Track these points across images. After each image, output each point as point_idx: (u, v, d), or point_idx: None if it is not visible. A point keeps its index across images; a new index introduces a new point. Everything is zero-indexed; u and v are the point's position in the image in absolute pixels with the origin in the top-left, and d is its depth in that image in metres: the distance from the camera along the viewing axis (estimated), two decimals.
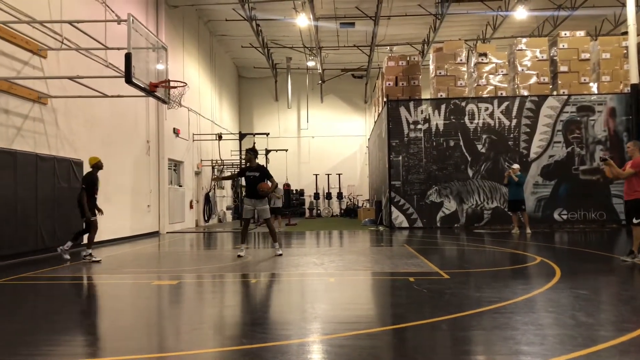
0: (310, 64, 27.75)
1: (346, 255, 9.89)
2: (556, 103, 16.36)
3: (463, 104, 16.55)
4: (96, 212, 9.81)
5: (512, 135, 16.40)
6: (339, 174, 29.76)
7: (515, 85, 16.88)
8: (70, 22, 11.28)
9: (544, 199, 16.19)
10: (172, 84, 11.07)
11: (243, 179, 10.06)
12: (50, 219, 10.75)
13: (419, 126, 16.60)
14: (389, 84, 17.88)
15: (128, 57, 9.07)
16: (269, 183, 9.68)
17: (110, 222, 13.59)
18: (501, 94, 16.81)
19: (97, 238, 12.79)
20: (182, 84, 11.22)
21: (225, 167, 23.62)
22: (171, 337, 4.61)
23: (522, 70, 16.78)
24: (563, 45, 16.82)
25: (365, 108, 30.99)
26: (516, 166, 14.53)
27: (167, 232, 17.17)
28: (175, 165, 19.43)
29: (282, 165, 27.41)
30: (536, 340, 3.97)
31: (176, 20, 19.20)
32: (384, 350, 4.01)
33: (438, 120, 16.55)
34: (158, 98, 10.89)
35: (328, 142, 30.50)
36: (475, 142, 16.45)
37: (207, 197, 22.11)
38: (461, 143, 16.48)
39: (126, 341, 4.36)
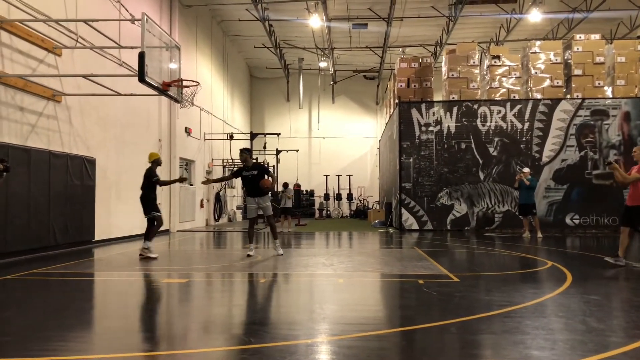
0: (322, 64, 27.76)
1: (355, 256, 9.87)
2: (570, 107, 16.22)
3: (475, 106, 16.47)
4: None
5: (524, 139, 16.28)
6: (350, 175, 29.73)
7: (529, 88, 16.76)
8: (85, 21, 11.39)
9: (555, 203, 16.05)
10: (184, 83, 11.12)
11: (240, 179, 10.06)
12: (63, 216, 10.85)
13: (431, 128, 16.54)
14: (401, 86, 17.82)
15: (141, 56, 9.14)
16: (269, 178, 9.74)
17: (121, 220, 13.70)
18: (514, 97, 16.70)
19: (108, 235, 12.96)
20: (194, 84, 11.27)
21: (235, 166, 23.69)
22: (180, 335, 4.63)
23: (536, 73, 16.65)
24: (577, 49, 16.67)
25: (377, 109, 30.94)
26: (527, 170, 14.43)
27: (177, 231, 17.26)
28: (187, 165, 19.53)
29: (292, 165, 27.44)
30: (546, 345, 3.93)
31: (189, 20, 19.31)
32: (392, 352, 3.99)
33: (450, 123, 16.48)
34: (170, 97, 10.95)
35: (339, 143, 30.48)
36: (487, 145, 16.35)
37: (217, 196, 22.20)
38: (473, 146, 16.39)
39: (134, 338, 4.39)
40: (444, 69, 17.79)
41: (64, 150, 11.11)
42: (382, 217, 20.53)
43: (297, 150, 27.06)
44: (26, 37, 9.91)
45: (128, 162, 14.12)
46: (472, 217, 16.34)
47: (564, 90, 16.81)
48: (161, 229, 16.58)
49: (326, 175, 29.48)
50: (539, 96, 16.49)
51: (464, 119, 16.45)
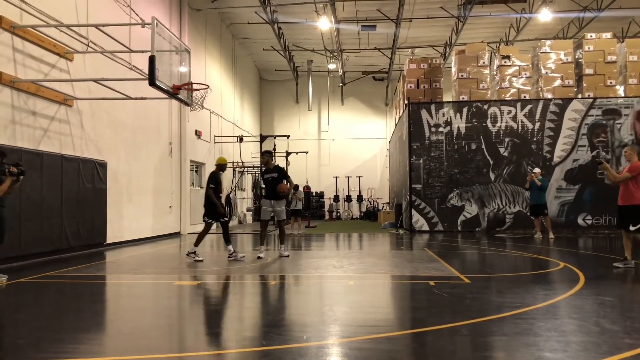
0: (331, 66, 27.77)
1: (366, 258, 9.86)
2: (581, 106, 16.08)
3: (485, 106, 16.38)
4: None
5: (535, 139, 16.17)
6: (359, 177, 29.69)
7: (539, 88, 16.64)
8: (96, 26, 11.49)
9: (567, 204, 15.91)
10: (194, 86, 11.18)
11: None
12: (75, 219, 10.95)
13: (440, 129, 16.48)
14: (411, 87, 17.79)
15: (152, 60, 9.21)
16: (287, 184, 9.74)
17: (133, 223, 13.80)
18: (524, 97, 16.59)
19: (119, 238, 13.05)
20: (204, 87, 11.33)
21: (246, 169, 23.78)
22: (191, 338, 4.65)
23: (546, 73, 16.54)
24: (588, 48, 16.53)
25: (386, 111, 30.89)
26: (537, 170, 14.31)
27: (188, 233, 17.34)
28: (197, 167, 19.62)
29: (302, 167, 27.46)
30: (559, 347, 3.90)
31: (199, 23, 19.42)
32: (403, 354, 3.98)
33: (460, 123, 16.41)
34: (181, 100, 11.02)
35: (348, 145, 30.46)
36: (498, 146, 16.26)
37: (227, 198, 22.26)
38: (483, 146, 16.30)
39: (147, 340, 4.41)
40: (453, 69, 17.72)
41: (75, 154, 11.21)
42: (392, 218, 20.48)
43: (306, 152, 27.06)
44: (38, 42, 10.03)
45: (139, 165, 14.23)
46: (483, 218, 16.25)
47: (575, 89, 16.67)
48: (172, 231, 16.67)
49: (336, 177, 29.47)
50: (549, 96, 16.37)
51: (474, 120, 16.37)
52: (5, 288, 6.78)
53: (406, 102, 17.39)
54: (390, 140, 26.49)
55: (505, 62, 16.89)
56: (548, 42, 17.00)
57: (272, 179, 9.74)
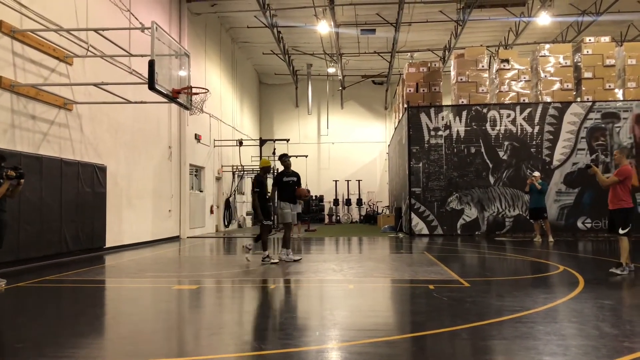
0: (331, 70, 27.81)
1: (365, 262, 9.86)
2: (580, 110, 16.10)
3: (484, 110, 16.40)
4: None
5: (534, 142, 16.18)
6: (359, 181, 29.70)
7: (538, 92, 16.67)
8: (95, 30, 11.52)
9: (567, 207, 15.91)
10: (194, 90, 11.20)
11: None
12: (74, 223, 10.95)
13: (440, 133, 16.50)
14: (410, 90, 17.81)
15: (151, 64, 9.22)
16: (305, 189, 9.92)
17: (132, 227, 13.79)
18: (523, 100, 16.62)
19: (119, 242, 13.04)
20: (203, 91, 11.35)
21: (245, 172, 23.78)
22: (191, 341, 4.65)
23: (545, 76, 16.57)
24: (587, 51, 16.57)
25: (386, 114, 30.92)
26: (537, 174, 14.34)
27: (187, 237, 17.33)
28: (197, 171, 19.62)
29: (302, 171, 26.99)
30: (559, 351, 3.90)
31: (198, 28, 19.46)
32: (403, 358, 3.98)
33: (459, 127, 16.43)
34: (180, 104, 11.03)
35: (348, 149, 30.48)
36: (497, 149, 16.27)
37: (227, 202, 22.27)
38: (482, 150, 16.32)
39: (147, 344, 4.41)
40: (452, 73, 17.75)
41: (75, 158, 11.22)
42: (392, 222, 20.46)
43: (306, 156, 27.05)
44: (38, 46, 10.05)
45: (139, 169, 14.24)
46: (483, 222, 16.25)
47: (574, 93, 16.70)
48: (171, 235, 16.66)
49: (335, 181, 29.47)
50: (548, 99, 16.40)
51: (473, 123, 16.39)
52: (4, 292, 6.78)
53: (405, 105, 17.41)
54: (390, 143, 26.51)
55: (504, 65, 16.91)
56: (547, 46, 17.04)
57: (292, 183, 9.79)
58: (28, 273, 8.56)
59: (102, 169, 12.13)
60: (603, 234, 15.46)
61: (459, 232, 16.24)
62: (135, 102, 12.26)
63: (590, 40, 16.77)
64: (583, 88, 16.44)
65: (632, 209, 7.73)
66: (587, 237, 15.23)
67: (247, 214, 25.43)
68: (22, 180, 7.02)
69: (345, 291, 6.81)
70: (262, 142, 21.86)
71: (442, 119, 16.52)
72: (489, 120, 16.34)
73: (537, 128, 16.18)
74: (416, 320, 5.21)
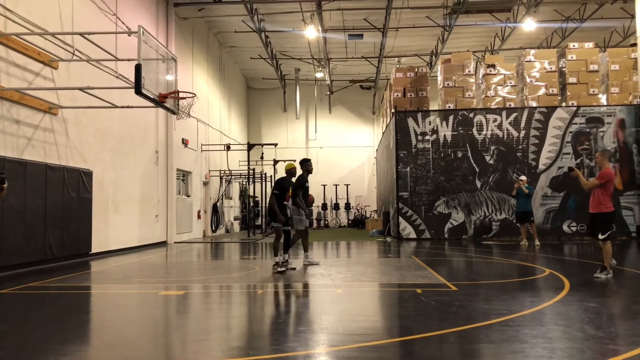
0: (319, 75, 27.87)
1: (353, 266, 9.86)
2: (565, 114, 16.30)
3: (471, 115, 16.53)
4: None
5: (520, 147, 16.34)
6: (347, 185, 29.74)
7: (524, 97, 16.84)
8: (81, 34, 11.42)
9: (553, 211, 16.07)
10: (181, 94, 11.15)
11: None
12: (59, 229, 10.82)
13: (427, 137, 16.59)
14: (397, 95, 17.91)
15: (138, 69, 9.17)
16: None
17: (119, 232, 13.67)
18: (509, 105, 16.78)
19: (105, 248, 12.91)
20: (191, 95, 11.30)
21: (233, 177, 23.70)
22: (177, 348, 4.61)
23: (531, 81, 16.75)
24: (572, 57, 16.79)
25: (374, 119, 31.02)
26: (524, 178, 14.48)
27: (174, 242, 17.20)
28: (184, 176, 19.52)
29: None
30: (545, 354, 3.93)
31: (186, 32, 19.39)
32: None
33: (446, 132, 16.54)
34: (167, 109, 10.98)
35: (336, 153, 30.51)
36: (484, 154, 16.40)
37: (214, 207, 22.17)
38: (469, 154, 16.43)
39: (132, 351, 4.36)
40: (439, 78, 17.87)
41: (60, 163, 11.09)
42: (380, 226, 20.51)
43: (294, 161, 27.04)
44: (22, 50, 9.94)
45: (125, 174, 14.12)
46: (470, 226, 16.34)
47: (559, 98, 16.90)
48: (158, 240, 16.52)
49: (324, 185, 29.47)
50: (534, 104, 16.57)
51: (460, 128, 16.51)
52: None
53: (393, 110, 17.49)
54: (378, 148, 26.60)
55: (490, 70, 17.08)
56: (532, 52, 17.24)
57: (308, 188, 9.79)
58: (11, 280, 8.43)
59: (88, 174, 12.01)
60: (588, 237, 15.61)
61: (446, 236, 16.32)
62: (122, 107, 12.16)
63: (574, 46, 17.00)
64: (568, 93, 16.65)
65: (613, 213, 7.76)
66: (572, 241, 15.38)
67: (235, 218, 25.34)
68: (4, 185, 6.92)
69: (333, 296, 6.80)
70: (250, 146, 21.80)
71: (429, 124, 16.62)
72: (475, 124, 16.47)
73: (523, 132, 16.34)
74: (404, 325, 5.21)
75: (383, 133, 22.72)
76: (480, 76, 17.58)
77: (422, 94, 17.78)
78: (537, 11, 18.90)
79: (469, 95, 16.97)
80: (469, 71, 17.09)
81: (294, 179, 9.63)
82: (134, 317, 5.88)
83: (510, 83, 17.00)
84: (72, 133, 11.69)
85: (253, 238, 18.67)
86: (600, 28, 21.69)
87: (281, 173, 10.03)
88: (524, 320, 5.03)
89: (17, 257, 9.49)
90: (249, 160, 20.89)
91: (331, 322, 5.24)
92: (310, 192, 10.23)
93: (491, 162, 16.37)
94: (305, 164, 10.00)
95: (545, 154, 16.24)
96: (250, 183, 22.46)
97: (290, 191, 9.60)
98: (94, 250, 12.26)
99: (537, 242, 13.80)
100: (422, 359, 4.05)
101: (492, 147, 16.39)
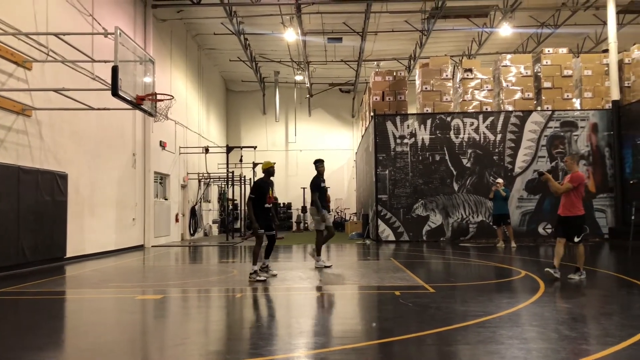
0: (298, 78, 27.87)
1: (333, 269, 9.86)
2: (540, 118, 16.59)
3: (449, 119, 16.72)
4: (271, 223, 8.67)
5: (497, 150, 16.58)
6: (327, 188, 29.74)
7: (500, 101, 17.10)
8: (56, 34, 11.22)
9: (528, 213, 16.33)
10: (158, 96, 11.04)
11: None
12: (33, 233, 10.58)
13: (405, 140, 16.72)
14: (376, 99, 18.01)
15: (115, 70, 9.05)
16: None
17: (95, 236, 13.45)
18: (486, 109, 17.02)
19: (81, 252, 12.69)
20: (168, 97, 11.20)
21: (212, 180, 23.52)
22: (155, 353, 4.55)
23: (507, 85, 17.02)
24: (546, 62, 17.11)
25: (353, 122, 31.14)
26: (501, 180, 14.70)
27: (152, 246, 16.99)
28: (162, 179, 19.31)
29: None
30: (520, 355, 3.99)
31: (164, 34, 19.21)
32: None
33: (424, 135, 16.69)
34: (144, 111, 10.85)
35: (316, 156, 29.92)
36: (461, 157, 16.59)
37: (192, 210, 21.98)
38: (447, 157, 16.61)
39: (109, 357, 4.29)
40: (417, 82, 18.04)
41: (34, 166, 10.87)
42: (359, 228, 20.58)
43: (274, 163, 26.95)
44: None
45: (102, 177, 13.91)
46: (447, 228, 16.51)
47: (535, 102, 17.20)
48: (135, 244, 16.30)
49: (303, 188, 29.40)
50: (510, 108, 16.84)
51: (437, 131, 16.68)
52: None
53: (372, 114, 17.59)
54: (357, 151, 26.71)
55: (467, 75, 17.30)
56: (508, 56, 17.52)
57: (326, 189, 9.76)
58: None
59: (63, 177, 11.80)
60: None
61: (424, 238, 16.45)
62: (98, 109, 11.98)
63: (549, 51, 17.33)
64: (543, 97, 16.96)
65: (584, 216, 7.89)
66: (548, 243, 15.63)
67: (214, 222, 25.14)
68: None
69: (312, 299, 6.80)
70: (229, 149, 21.68)
71: (408, 127, 16.76)
72: (452, 128, 16.65)
73: (499, 136, 16.58)
74: (383, 327, 5.23)
75: (362, 136, 22.83)
76: (458, 80, 17.79)
77: (401, 98, 17.92)
78: (513, 17, 19.23)
79: (447, 99, 17.16)
80: (447, 75, 17.29)
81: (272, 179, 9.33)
82: (110, 322, 5.79)
83: (487, 87, 17.25)
84: (46, 135, 11.47)
85: (232, 241, 18.55)
86: (574, 34, 22.15)
87: (260, 175, 9.83)
88: (500, 321, 5.10)
89: None
90: (227, 163, 20.76)
91: (310, 325, 5.24)
92: (276, 194, 10.18)
93: (468, 165, 16.57)
94: (318, 164, 9.96)
95: (521, 157, 16.50)
96: (229, 186, 22.31)
97: (312, 193, 9.40)
98: (69, 254, 12.03)
99: (513, 244, 14.00)
100: None
101: (469, 151, 16.60)
